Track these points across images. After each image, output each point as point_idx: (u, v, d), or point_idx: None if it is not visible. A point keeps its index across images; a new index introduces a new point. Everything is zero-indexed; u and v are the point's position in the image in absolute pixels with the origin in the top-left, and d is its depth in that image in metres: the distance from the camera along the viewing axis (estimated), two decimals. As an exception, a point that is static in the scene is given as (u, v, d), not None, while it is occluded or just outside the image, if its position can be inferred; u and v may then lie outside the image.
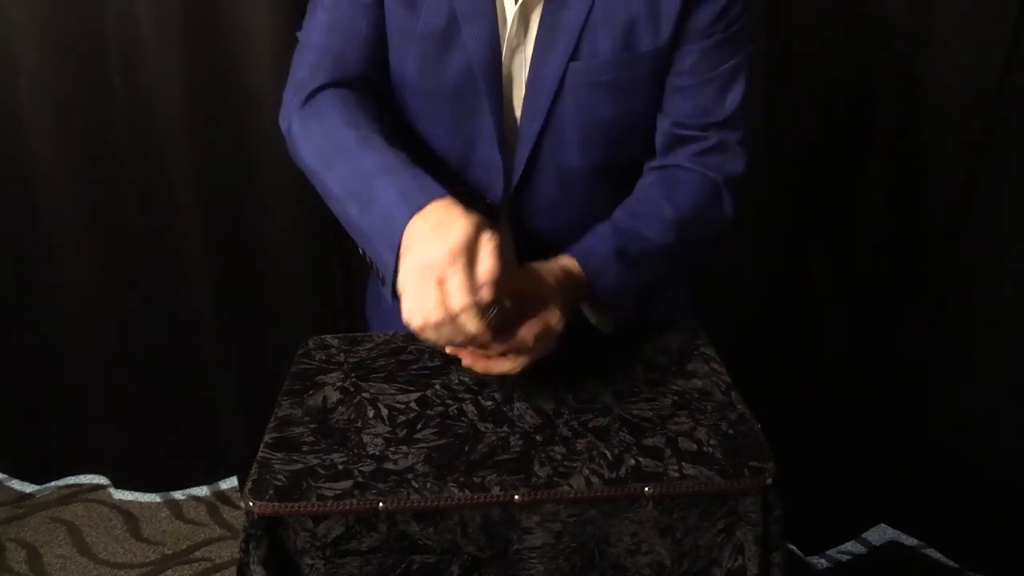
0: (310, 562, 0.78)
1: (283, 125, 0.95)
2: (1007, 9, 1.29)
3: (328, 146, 0.88)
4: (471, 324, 0.73)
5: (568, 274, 0.89)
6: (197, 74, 1.58)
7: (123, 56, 1.58)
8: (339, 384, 0.92)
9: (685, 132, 0.99)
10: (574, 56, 0.94)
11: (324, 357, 0.98)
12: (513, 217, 1.04)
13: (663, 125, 1.00)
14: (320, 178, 0.87)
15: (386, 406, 0.88)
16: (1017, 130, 1.37)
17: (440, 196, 0.77)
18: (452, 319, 0.73)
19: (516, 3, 0.93)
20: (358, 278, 1.60)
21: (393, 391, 0.91)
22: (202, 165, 1.64)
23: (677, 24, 0.94)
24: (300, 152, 0.91)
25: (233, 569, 1.72)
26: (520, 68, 0.97)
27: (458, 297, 0.72)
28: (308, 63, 0.95)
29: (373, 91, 0.97)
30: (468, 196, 0.95)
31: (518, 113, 0.98)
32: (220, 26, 1.56)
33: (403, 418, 0.86)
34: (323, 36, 0.95)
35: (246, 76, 1.58)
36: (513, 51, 0.96)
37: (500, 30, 0.94)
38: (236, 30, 1.54)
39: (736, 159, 1.00)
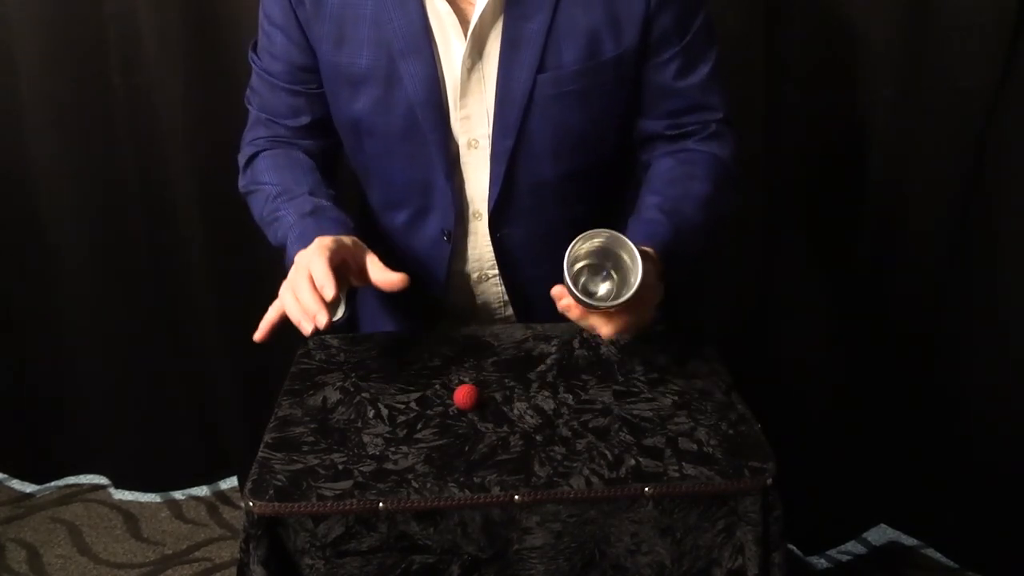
0: (310, 562, 0.78)
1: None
2: (1007, 9, 1.29)
3: (264, 213, 1.02)
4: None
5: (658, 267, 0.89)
6: (197, 74, 1.58)
7: (123, 56, 1.58)
8: (339, 384, 0.92)
9: (685, 129, 1.01)
10: (541, 68, 0.94)
11: (324, 357, 0.98)
12: (489, 230, 1.04)
13: (656, 128, 1.02)
14: (263, 232, 1.03)
15: (386, 406, 0.88)
16: (1017, 130, 1.37)
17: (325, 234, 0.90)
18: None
19: (471, 23, 0.93)
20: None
21: (393, 391, 0.91)
22: (202, 165, 1.63)
23: (643, 27, 0.95)
24: (251, 211, 1.06)
25: (233, 569, 1.72)
26: (479, 85, 0.97)
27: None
28: (248, 139, 1.09)
29: (305, 144, 1.07)
30: (427, 225, 1.06)
31: (488, 130, 0.99)
32: (220, 26, 1.56)
33: (403, 418, 0.86)
34: (256, 113, 1.08)
35: (246, 76, 1.58)
36: (470, 71, 0.96)
37: (441, 61, 0.96)
38: (236, 30, 1.54)
39: (731, 143, 1.03)
